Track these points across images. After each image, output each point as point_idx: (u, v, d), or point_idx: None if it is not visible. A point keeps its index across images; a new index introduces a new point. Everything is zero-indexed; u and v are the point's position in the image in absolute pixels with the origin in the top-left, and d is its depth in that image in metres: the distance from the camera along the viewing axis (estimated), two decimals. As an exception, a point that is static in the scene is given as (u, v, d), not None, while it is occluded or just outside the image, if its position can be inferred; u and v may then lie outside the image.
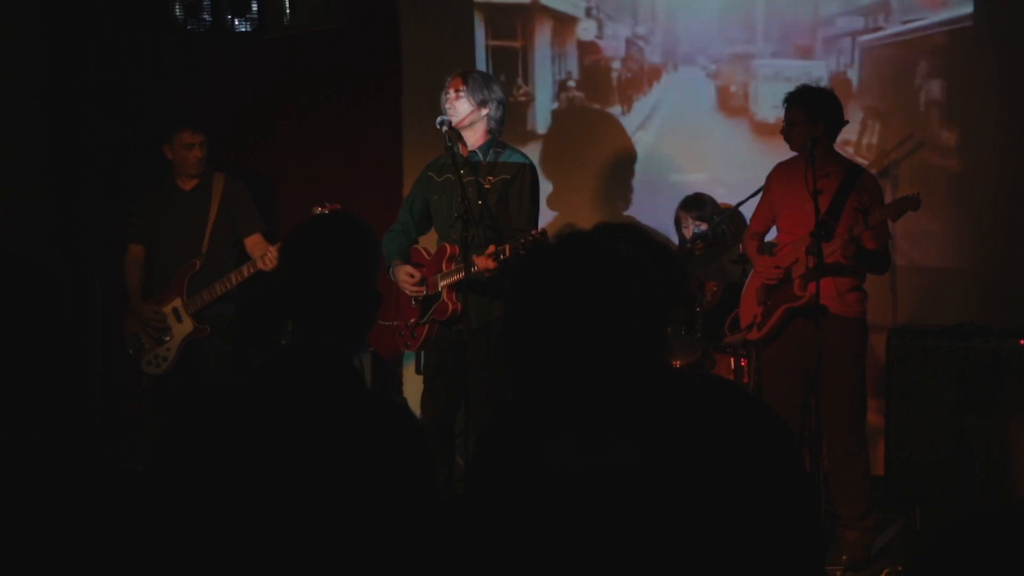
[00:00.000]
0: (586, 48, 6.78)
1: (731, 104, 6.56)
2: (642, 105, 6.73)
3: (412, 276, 5.38)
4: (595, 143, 6.78)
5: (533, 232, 5.13)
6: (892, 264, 5.62)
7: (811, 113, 5.21)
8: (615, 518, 2.00)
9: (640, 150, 6.73)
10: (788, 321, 5.33)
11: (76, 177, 7.22)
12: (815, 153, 5.12)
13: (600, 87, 6.77)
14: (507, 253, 5.09)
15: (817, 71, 6.26)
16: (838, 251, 5.10)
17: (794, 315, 5.30)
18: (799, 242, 5.25)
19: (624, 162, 6.76)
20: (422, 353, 5.80)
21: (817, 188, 5.04)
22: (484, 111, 5.33)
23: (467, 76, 5.37)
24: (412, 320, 5.49)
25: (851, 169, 5.32)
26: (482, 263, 5.14)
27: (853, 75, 6.30)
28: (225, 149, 6.65)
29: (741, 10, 6.53)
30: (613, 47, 6.76)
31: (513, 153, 5.47)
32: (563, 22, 6.83)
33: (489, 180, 5.30)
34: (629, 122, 6.76)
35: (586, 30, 6.80)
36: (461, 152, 5.35)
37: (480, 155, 5.36)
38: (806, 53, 6.40)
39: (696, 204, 6.17)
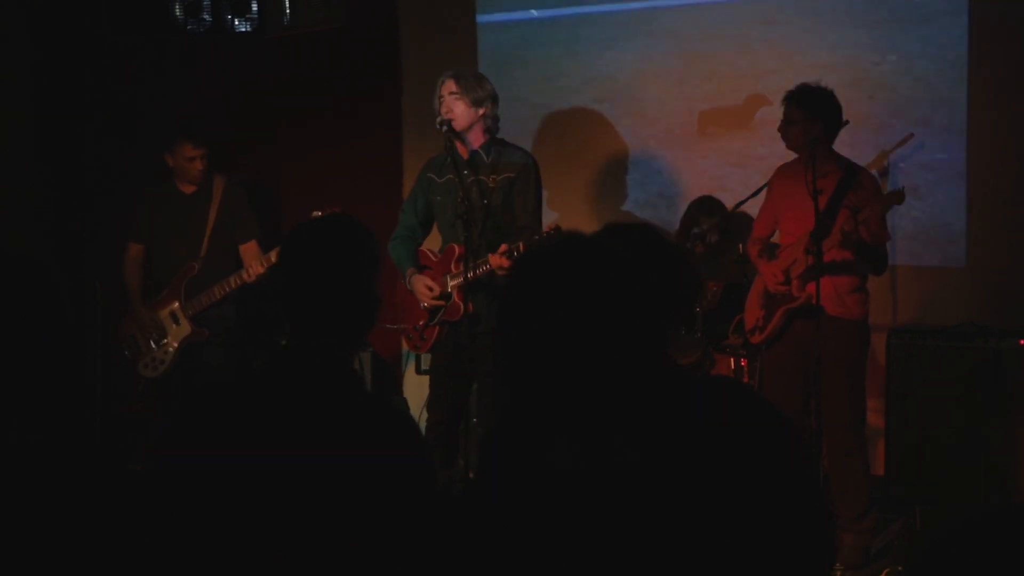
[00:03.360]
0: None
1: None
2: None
3: (431, 289, 5.35)
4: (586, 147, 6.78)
5: (547, 229, 5.13)
6: (892, 264, 5.62)
7: (809, 111, 5.21)
8: (619, 519, 2.00)
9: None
10: (788, 323, 5.33)
11: (76, 177, 7.22)
12: (815, 153, 5.13)
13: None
14: (520, 250, 5.07)
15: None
16: (835, 244, 5.11)
17: (793, 316, 5.30)
18: (797, 243, 5.26)
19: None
20: (424, 355, 5.77)
21: (819, 187, 5.05)
22: (481, 111, 5.33)
23: (459, 77, 5.34)
24: (421, 322, 5.46)
25: (849, 169, 5.32)
26: (496, 261, 5.12)
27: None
28: (224, 150, 6.65)
29: None
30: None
31: (515, 151, 5.46)
32: None
33: (493, 179, 5.29)
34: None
35: None
36: (461, 152, 5.33)
37: (483, 154, 5.35)
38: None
39: (709, 208, 6.17)
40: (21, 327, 2.22)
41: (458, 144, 5.32)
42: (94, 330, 6.23)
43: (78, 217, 7.18)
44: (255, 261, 6.03)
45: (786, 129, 5.29)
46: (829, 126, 5.26)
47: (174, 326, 6.22)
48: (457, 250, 5.35)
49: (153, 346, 6.23)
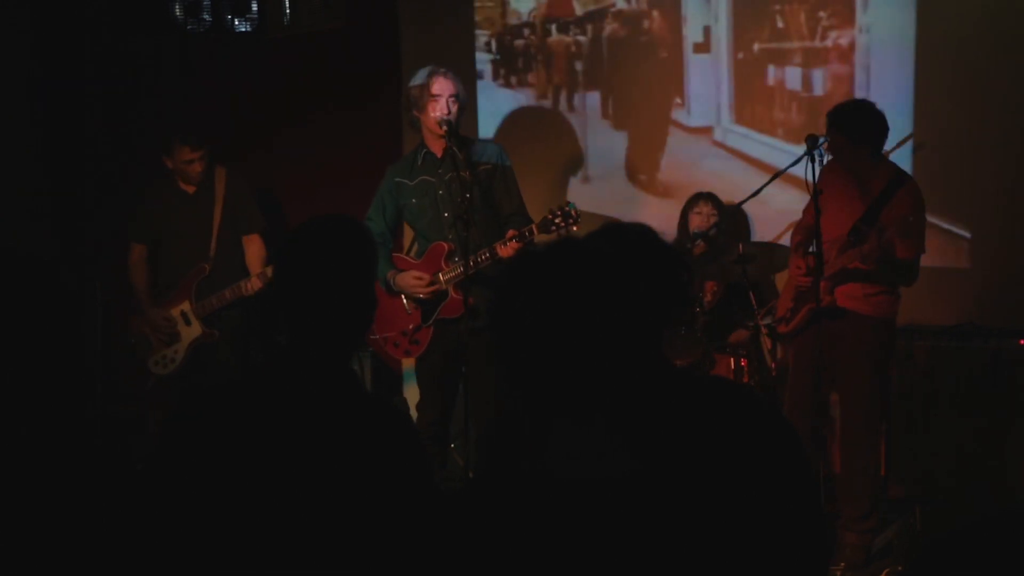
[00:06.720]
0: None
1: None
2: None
3: (421, 279, 5.35)
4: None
5: (563, 206, 5.11)
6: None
7: (852, 137, 5.17)
8: (617, 523, 2.00)
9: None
10: (812, 320, 5.30)
11: (76, 177, 7.22)
12: (822, 153, 5.11)
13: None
14: (534, 232, 5.08)
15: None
16: (857, 257, 5.09)
17: (818, 315, 5.27)
18: (829, 245, 5.22)
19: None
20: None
21: (862, 193, 5.02)
22: (462, 114, 5.37)
23: (455, 80, 5.37)
24: (411, 326, 5.44)
25: (894, 179, 5.28)
26: (506, 252, 5.12)
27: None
28: (224, 150, 6.64)
29: None
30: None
31: (485, 143, 5.52)
32: None
33: (468, 174, 5.29)
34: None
35: None
36: (435, 152, 5.35)
37: (456, 151, 5.34)
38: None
39: (712, 197, 6.20)
40: (24, 325, 2.22)
41: (435, 144, 5.32)
42: (95, 330, 6.23)
43: (79, 217, 7.18)
44: (257, 264, 6.01)
45: (836, 152, 5.23)
46: (875, 143, 5.23)
47: (185, 326, 6.21)
48: (445, 247, 5.34)
49: (164, 344, 6.23)
